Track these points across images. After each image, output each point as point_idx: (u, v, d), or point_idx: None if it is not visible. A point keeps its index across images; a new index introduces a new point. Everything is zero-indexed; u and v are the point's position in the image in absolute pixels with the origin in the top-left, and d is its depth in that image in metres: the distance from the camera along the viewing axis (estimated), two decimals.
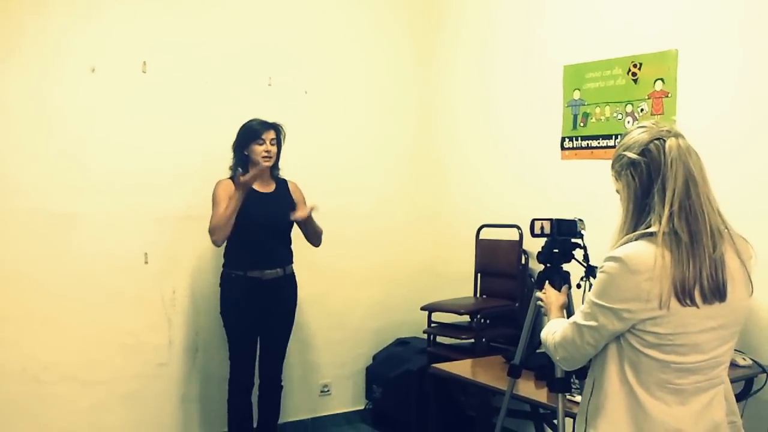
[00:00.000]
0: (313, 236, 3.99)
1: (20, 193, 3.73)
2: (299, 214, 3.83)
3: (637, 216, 1.76)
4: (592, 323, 1.76)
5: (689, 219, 1.68)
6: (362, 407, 4.83)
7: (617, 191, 1.85)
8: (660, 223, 1.68)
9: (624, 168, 1.79)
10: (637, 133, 1.79)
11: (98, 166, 3.91)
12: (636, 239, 1.72)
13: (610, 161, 1.86)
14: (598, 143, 3.91)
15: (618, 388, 1.76)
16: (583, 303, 2.55)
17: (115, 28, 3.93)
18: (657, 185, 1.71)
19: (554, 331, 1.92)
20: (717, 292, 1.69)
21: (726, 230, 1.74)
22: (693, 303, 1.67)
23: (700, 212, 1.69)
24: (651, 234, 1.70)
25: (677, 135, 1.75)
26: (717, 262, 1.69)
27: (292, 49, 4.49)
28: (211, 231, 3.73)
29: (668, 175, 1.70)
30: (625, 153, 1.78)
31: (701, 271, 1.67)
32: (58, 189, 3.81)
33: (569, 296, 2.71)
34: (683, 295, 1.67)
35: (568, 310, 2.74)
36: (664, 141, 1.73)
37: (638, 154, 1.75)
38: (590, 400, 1.83)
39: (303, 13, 4.54)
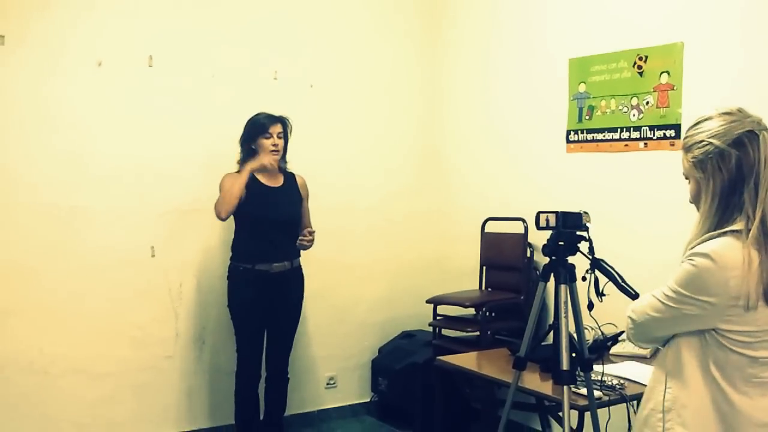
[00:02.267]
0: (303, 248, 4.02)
1: (27, 187, 3.75)
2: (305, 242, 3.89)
3: (722, 212, 1.69)
4: (673, 305, 1.72)
5: None
6: (368, 400, 4.85)
7: (687, 176, 1.77)
8: (749, 223, 1.64)
9: (709, 157, 1.69)
10: (726, 121, 1.70)
11: (104, 160, 3.93)
12: (720, 236, 1.68)
13: (684, 142, 1.77)
14: (604, 136, 3.90)
15: (702, 383, 1.72)
16: (588, 296, 2.57)
17: (122, 22, 3.94)
18: (749, 183, 1.65)
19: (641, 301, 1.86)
20: None
21: None
22: None
23: None
24: (737, 231, 1.66)
25: (767, 128, 1.68)
26: None
27: (297, 43, 4.50)
28: (218, 204, 3.77)
29: (762, 174, 1.64)
30: (712, 140, 1.69)
31: None
32: (64, 183, 3.83)
33: (573, 288, 2.72)
34: None
35: (573, 302, 2.75)
36: (757, 135, 1.66)
37: (729, 145, 1.67)
38: (666, 396, 1.78)
39: (308, 7, 4.54)
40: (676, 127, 3.53)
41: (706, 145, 1.70)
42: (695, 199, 1.78)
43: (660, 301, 1.75)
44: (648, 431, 1.81)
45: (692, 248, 1.71)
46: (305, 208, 4.03)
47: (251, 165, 3.78)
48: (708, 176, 1.70)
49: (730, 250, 1.65)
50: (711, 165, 1.69)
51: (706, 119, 1.74)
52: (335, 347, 4.71)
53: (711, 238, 1.69)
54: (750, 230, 1.64)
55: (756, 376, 1.71)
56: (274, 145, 3.83)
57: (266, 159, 3.79)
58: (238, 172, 3.85)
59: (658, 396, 1.81)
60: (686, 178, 1.79)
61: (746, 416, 1.71)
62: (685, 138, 1.77)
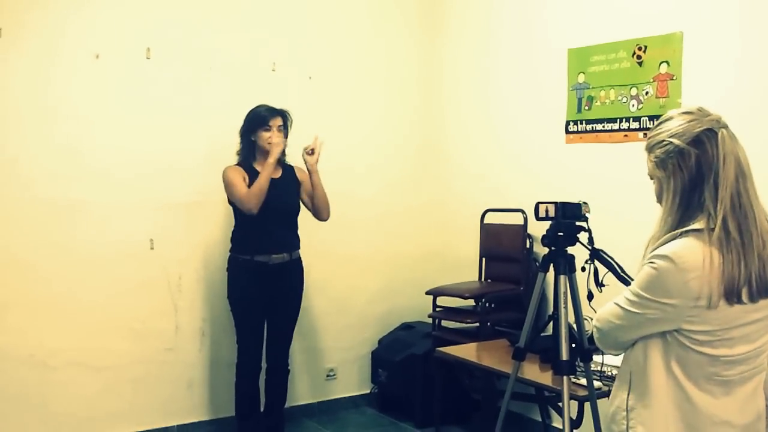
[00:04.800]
0: (322, 202, 3.96)
1: (25, 180, 3.74)
2: (312, 162, 3.90)
3: (683, 210, 1.71)
4: (635, 310, 1.73)
5: (740, 218, 1.65)
6: (368, 391, 4.85)
7: (652, 176, 1.80)
8: (711, 221, 1.65)
9: (670, 156, 1.72)
10: (685, 120, 1.72)
11: (103, 153, 3.92)
12: (681, 235, 1.69)
13: (647, 143, 1.79)
14: (603, 127, 3.90)
15: (664, 382, 1.74)
16: (587, 286, 2.57)
17: (120, 14, 3.93)
18: (709, 181, 1.67)
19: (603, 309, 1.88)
20: (765, 290, 1.67)
21: None
22: (740, 302, 1.65)
23: (749, 209, 1.66)
24: (699, 230, 1.66)
25: (726, 126, 1.70)
26: (765, 261, 1.67)
27: (295, 34, 4.48)
28: (246, 200, 3.70)
29: (721, 172, 1.65)
30: (672, 140, 1.71)
31: (751, 272, 1.65)
32: (63, 176, 3.82)
33: (573, 279, 2.72)
34: (731, 295, 1.64)
35: (572, 293, 2.75)
36: (716, 133, 1.68)
37: (688, 144, 1.69)
38: (630, 394, 1.80)
39: None
40: None
41: (667, 144, 1.73)
42: (659, 199, 1.80)
43: (622, 307, 1.77)
44: (615, 428, 1.84)
45: (654, 249, 1.72)
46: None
47: (269, 162, 3.73)
48: (669, 175, 1.73)
49: (690, 251, 1.66)
50: (671, 164, 1.72)
51: (667, 119, 1.77)
52: (335, 339, 4.72)
53: (673, 238, 1.70)
54: (713, 229, 1.65)
55: (718, 374, 1.71)
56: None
57: (274, 149, 3.75)
58: (238, 164, 3.85)
59: (623, 394, 1.83)
60: (651, 179, 1.81)
61: (706, 414, 1.72)
62: (648, 139, 1.80)
